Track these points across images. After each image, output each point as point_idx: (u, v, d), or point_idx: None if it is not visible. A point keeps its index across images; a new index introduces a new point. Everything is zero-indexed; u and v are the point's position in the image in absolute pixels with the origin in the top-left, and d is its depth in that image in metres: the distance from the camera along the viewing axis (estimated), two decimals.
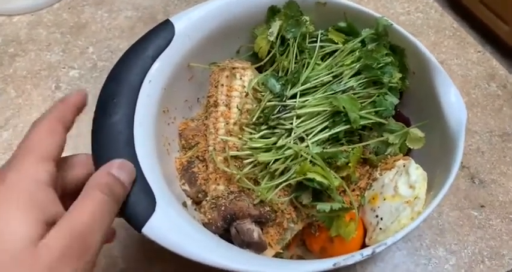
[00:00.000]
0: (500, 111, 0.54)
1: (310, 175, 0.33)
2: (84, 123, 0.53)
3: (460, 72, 0.58)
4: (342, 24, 0.43)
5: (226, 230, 0.35)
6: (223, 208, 0.34)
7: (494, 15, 1.41)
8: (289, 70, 0.40)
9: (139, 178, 0.32)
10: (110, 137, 0.33)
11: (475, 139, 0.52)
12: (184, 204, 0.39)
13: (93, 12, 0.65)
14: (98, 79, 0.58)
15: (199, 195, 0.40)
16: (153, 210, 0.30)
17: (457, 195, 0.48)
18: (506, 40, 1.41)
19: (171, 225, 0.30)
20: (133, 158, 0.33)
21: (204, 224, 0.35)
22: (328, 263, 0.28)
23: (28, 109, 0.56)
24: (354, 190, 0.39)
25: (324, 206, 0.32)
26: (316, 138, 0.37)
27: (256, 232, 0.34)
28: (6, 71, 0.59)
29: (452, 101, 0.37)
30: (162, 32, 0.40)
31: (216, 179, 0.38)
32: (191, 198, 0.41)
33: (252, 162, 0.36)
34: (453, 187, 0.48)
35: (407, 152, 0.40)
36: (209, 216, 0.34)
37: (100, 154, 0.32)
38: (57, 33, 0.63)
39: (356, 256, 0.29)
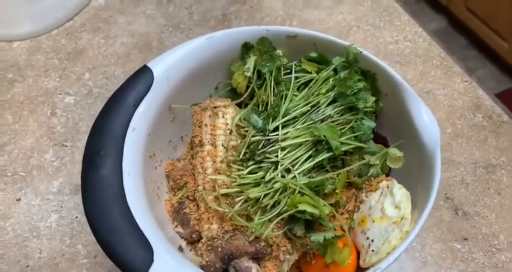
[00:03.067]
0: (485, 142, 0.54)
1: (301, 207, 0.34)
2: (79, 150, 0.54)
3: (446, 102, 0.58)
4: (313, 55, 0.45)
5: (225, 270, 0.35)
6: (220, 249, 0.35)
7: (493, 33, 1.42)
8: (269, 104, 0.42)
9: (134, 230, 0.32)
10: (101, 192, 0.34)
11: (459, 171, 0.52)
12: (180, 248, 0.39)
13: (91, 38, 0.67)
14: (92, 106, 0.59)
15: (193, 236, 0.40)
16: (152, 260, 0.31)
17: (440, 227, 0.48)
18: (505, 57, 1.43)
19: None
20: (125, 210, 0.33)
21: (202, 267, 0.35)
22: None
23: (24, 135, 0.57)
24: (342, 213, 0.41)
25: (317, 237, 0.33)
26: (302, 168, 0.38)
27: (254, 269, 0.34)
28: (4, 97, 0.61)
29: (425, 120, 0.39)
30: (141, 78, 0.41)
31: (208, 218, 0.38)
32: (185, 239, 0.41)
33: (242, 198, 0.37)
34: (437, 219, 0.49)
35: (389, 172, 0.42)
36: (207, 258, 0.35)
37: (92, 211, 0.33)
38: (55, 59, 0.64)
39: None
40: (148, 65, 0.42)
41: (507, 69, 1.51)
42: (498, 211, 0.50)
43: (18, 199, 0.52)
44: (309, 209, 0.34)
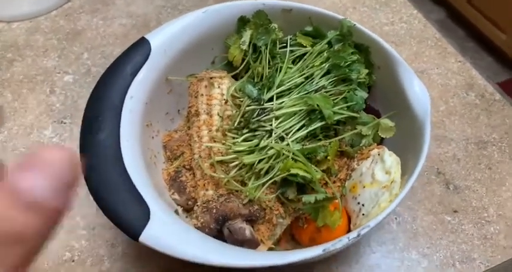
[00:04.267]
0: (477, 119, 0.56)
1: (293, 171, 0.35)
2: (78, 127, 0.55)
3: (440, 81, 0.59)
4: (309, 28, 0.46)
5: (219, 231, 0.36)
6: (214, 211, 0.36)
7: (491, 24, 1.42)
8: (264, 76, 0.43)
9: (131, 190, 0.33)
10: (99, 153, 0.35)
11: (451, 147, 0.53)
12: (176, 212, 0.41)
13: (89, 19, 0.67)
14: (91, 85, 0.60)
15: (189, 202, 0.41)
16: (148, 218, 0.32)
17: (431, 200, 0.49)
18: (503, 48, 1.42)
19: (168, 231, 0.31)
20: (123, 171, 0.34)
21: (197, 228, 0.36)
22: (318, 249, 0.30)
23: (23, 112, 0.58)
24: (334, 181, 0.42)
25: (309, 198, 0.34)
26: (296, 136, 0.39)
27: (248, 230, 0.35)
28: (4, 76, 0.61)
29: (417, 91, 0.40)
30: (139, 49, 0.42)
31: (204, 185, 0.39)
32: (181, 206, 0.42)
33: (237, 164, 0.38)
34: (428, 192, 0.50)
35: (380, 141, 0.43)
36: (201, 220, 0.36)
37: (90, 172, 0.33)
38: (53, 39, 0.65)
39: (343, 240, 0.31)
40: (146, 36, 0.43)
41: (504, 61, 1.52)
42: (488, 185, 0.51)
43: None
44: (301, 173, 0.35)
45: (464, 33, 1.63)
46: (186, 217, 0.42)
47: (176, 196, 0.41)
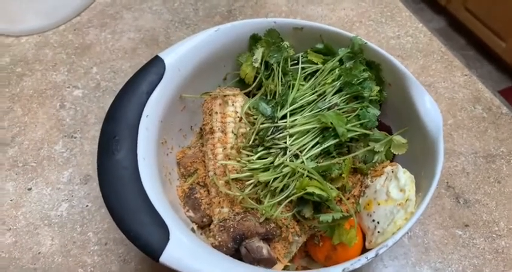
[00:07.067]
0: (485, 133, 0.56)
1: (309, 190, 0.36)
2: (88, 141, 0.56)
3: (447, 94, 0.60)
4: (320, 46, 0.46)
5: (236, 250, 0.37)
6: (232, 230, 0.36)
7: (491, 33, 1.43)
8: (277, 93, 0.43)
9: (150, 211, 0.33)
10: (116, 174, 0.35)
11: (460, 160, 0.54)
12: (193, 230, 0.41)
13: (98, 33, 0.68)
14: (100, 99, 0.61)
15: (204, 220, 0.41)
16: (168, 239, 0.32)
17: (442, 214, 0.50)
18: (503, 56, 1.44)
19: (187, 251, 0.31)
20: (141, 191, 0.34)
21: (215, 247, 0.36)
22: (338, 269, 0.31)
23: (33, 127, 0.58)
24: (348, 198, 0.42)
25: (326, 217, 0.35)
26: (310, 154, 0.40)
27: (265, 248, 0.36)
28: (14, 90, 0.62)
29: (428, 108, 0.41)
30: (154, 67, 0.42)
31: (219, 202, 0.39)
32: (196, 223, 0.42)
33: (252, 182, 0.38)
34: (439, 206, 0.50)
35: (393, 158, 0.43)
36: (219, 239, 0.36)
37: (108, 192, 0.34)
38: (62, 53, 0.66)
39: (362, 260, 0.31)
40: (160, 55, 0.43)
41: (504, 68, 1.54)
42: (498, 199, 0.51)
43: (30, 189, 0.53)
44: (318, 191, 0.36)
45: (465, 41, 1.65)
46: (201, 234, 0.42)
47: (191, 213, 0.42)
